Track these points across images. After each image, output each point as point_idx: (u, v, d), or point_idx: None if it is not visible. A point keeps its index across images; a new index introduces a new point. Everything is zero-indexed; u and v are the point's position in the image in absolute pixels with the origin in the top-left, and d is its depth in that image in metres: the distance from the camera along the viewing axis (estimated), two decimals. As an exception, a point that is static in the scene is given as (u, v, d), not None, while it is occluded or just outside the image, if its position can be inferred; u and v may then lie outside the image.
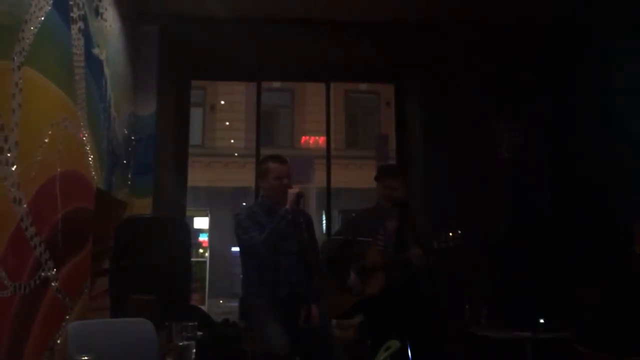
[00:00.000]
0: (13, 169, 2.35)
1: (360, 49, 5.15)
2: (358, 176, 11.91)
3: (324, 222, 9.43)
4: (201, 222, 13.28)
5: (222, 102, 13.49)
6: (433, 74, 5.00)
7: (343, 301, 3.48)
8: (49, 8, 2.70)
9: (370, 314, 3.51)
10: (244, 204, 9.58)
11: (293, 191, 3.00)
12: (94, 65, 3.44)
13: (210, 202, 12.87)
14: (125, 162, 4.21)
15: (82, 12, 3.20)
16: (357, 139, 13.73)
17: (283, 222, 2.93)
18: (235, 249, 3.26)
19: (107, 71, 3.72)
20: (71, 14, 3.02)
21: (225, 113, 13.47)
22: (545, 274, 4.31)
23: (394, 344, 2.63)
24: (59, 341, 2.85)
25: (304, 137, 13.49)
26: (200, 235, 13.26)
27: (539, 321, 3.59)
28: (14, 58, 2.36)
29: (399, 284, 3.43)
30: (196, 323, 2.16)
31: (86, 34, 3.28)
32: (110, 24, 3.83)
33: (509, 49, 4.83)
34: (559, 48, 4.67)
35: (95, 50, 3.49)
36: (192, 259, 4.00)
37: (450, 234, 3.32)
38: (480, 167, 4.79)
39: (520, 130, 4.87)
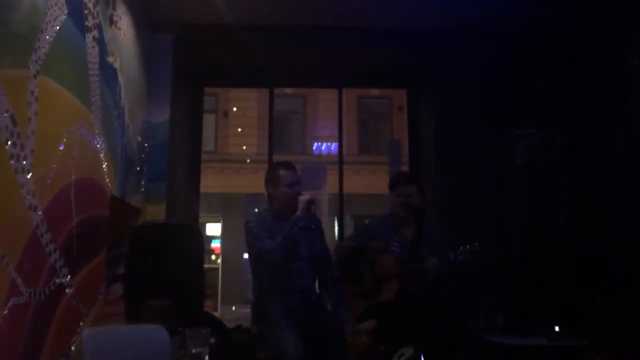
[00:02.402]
0: (29, 176, 2.37)
1: (372, 54, 5.15)
2: (370, 182, 11.91)
3: (337, 227, 9.41)
4: (214, 229, 13.34)
5: (235, 109, 13.58)
6: (445, 78, 4.98)
7: (354, 306, 3.47)
8: (65, 17, 2.73)
9: (384, 320, 3.49)
10: (256, 209, 9.60)
11: (304, 198, 3.01)
12: (108, 73, 3.47)
13: (222, 209, 12.92)
14: (139, 169, 4.24)
15: (97, 21, 3.24)
16: (369, 144, 13.73)
17: (295, 229, 2.94)
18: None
19: (121, 79, 3.75)
20: (86, 23, 3.06)
21: (238, 119, 13.55)
22: (561, 281, 4.26)
23: (408, 351, 2.62)
24: (73, 347, 2.86)
25: (316, 143, 13.52)
26: (213, 241, 13.31)
27: (554, 329, 3.54)
28: (29, 67, 2.39)
29: (413, 290, 3.41)
30: (209, 329, 2.16)
31: (101, 42, 3.31)
32: (124, 32, 3.86)
33: (522, 55, 4.80)
34: (573, 53, 4.63)
35: (110, 58, 3.53)
36: (205, 265, 4.00)
37: (468, 246, 3.29)
38: (494, 173, 4.75)
39: (534, 136, 4.83)
